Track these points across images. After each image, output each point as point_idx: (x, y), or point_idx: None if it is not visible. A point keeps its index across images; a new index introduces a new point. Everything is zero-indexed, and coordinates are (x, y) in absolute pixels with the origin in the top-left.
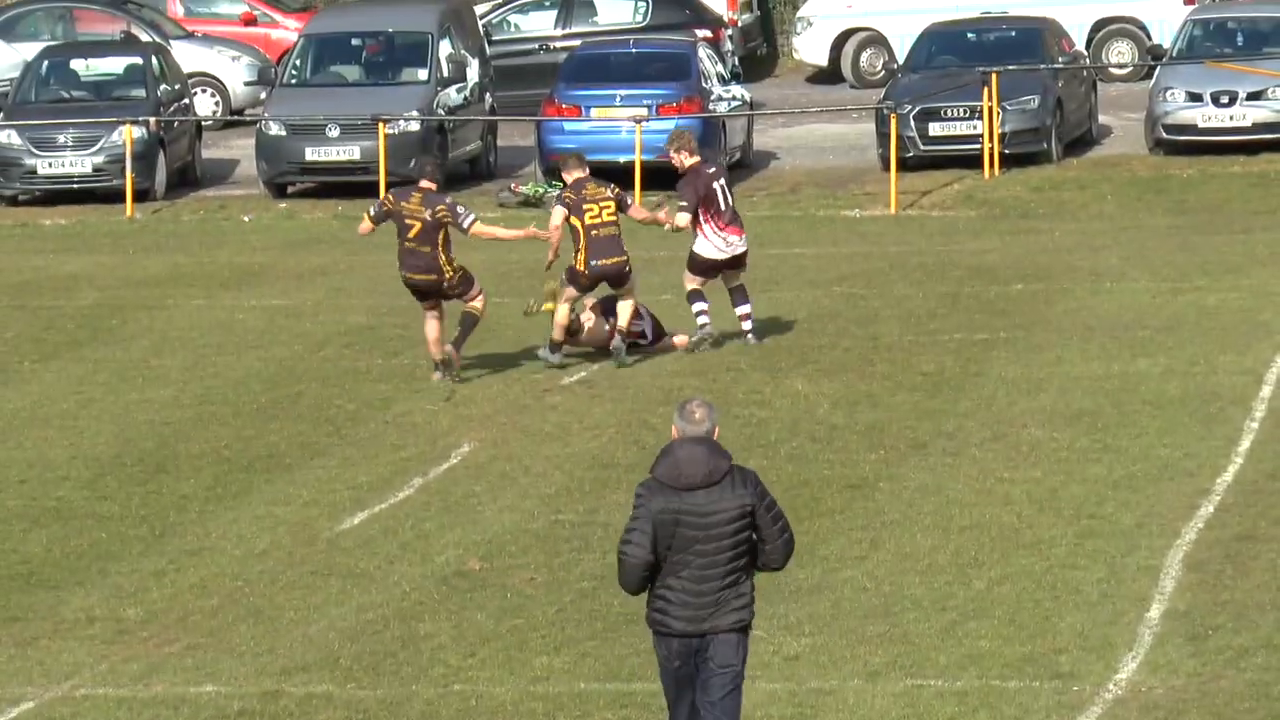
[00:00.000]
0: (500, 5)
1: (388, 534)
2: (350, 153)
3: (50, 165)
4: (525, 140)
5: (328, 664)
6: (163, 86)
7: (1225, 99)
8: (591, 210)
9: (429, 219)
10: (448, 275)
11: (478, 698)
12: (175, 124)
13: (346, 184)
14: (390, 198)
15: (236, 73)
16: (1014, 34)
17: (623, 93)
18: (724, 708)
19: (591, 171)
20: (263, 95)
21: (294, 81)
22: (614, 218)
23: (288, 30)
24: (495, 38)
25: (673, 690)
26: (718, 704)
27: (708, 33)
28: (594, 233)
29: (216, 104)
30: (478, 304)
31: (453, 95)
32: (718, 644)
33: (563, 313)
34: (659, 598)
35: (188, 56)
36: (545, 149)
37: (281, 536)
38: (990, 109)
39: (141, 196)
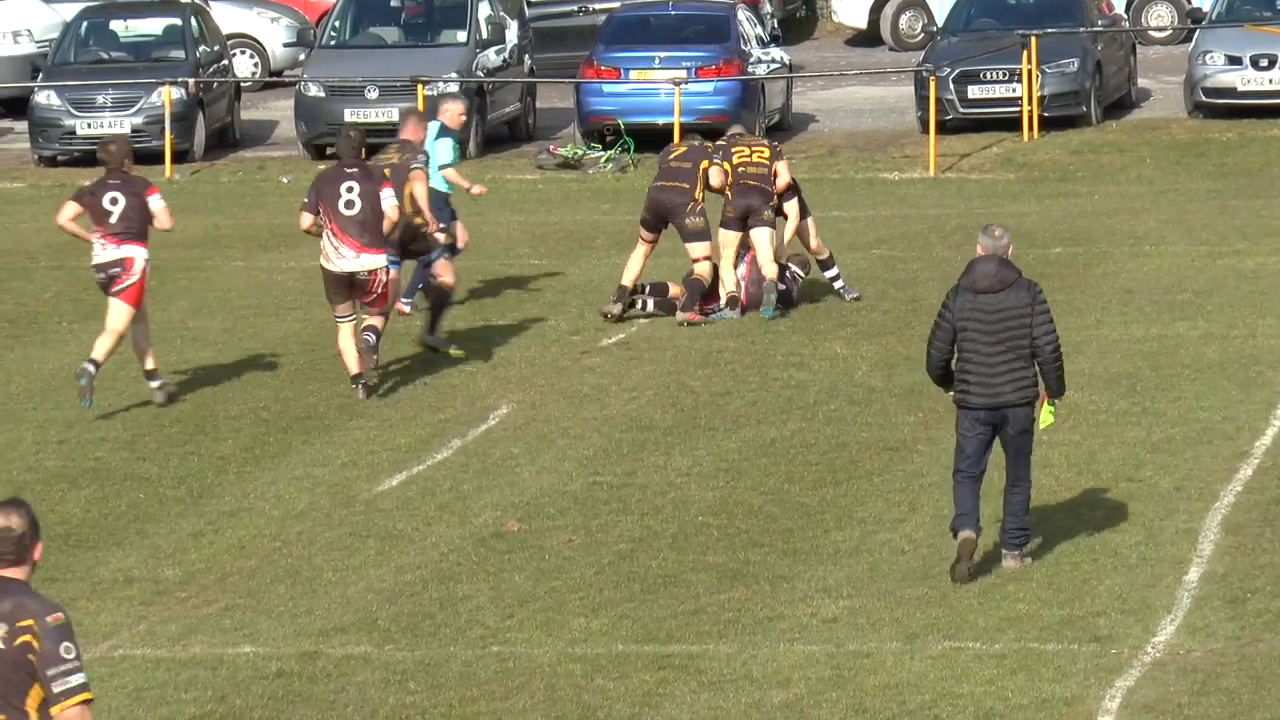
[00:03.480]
0: None
1: (426, 495)
2: (389, 114)
3: (89, 126)
4: (564, 102)
5: (365, 625)
6: (202, 47)
7: (1265, 62)
8: (742, 152)
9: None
10: (698, 196)
11: (515, 659)
12: (214, 85)
13: (385, 145)
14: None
15: (275, 34)
16: None
17: (662, 55)
18: (1022, 464)
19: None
20: (302, 56)
21: (333, 43)
22: (765, 161)
23: None
24: None
25: (965, 457)
26: (1018, 461)
27: None
28: (740, 169)
29: (255, 65)
30: (702, 268)
31: (492, 57)
32: (1015, 415)
33: (728, 260)
34: (961, 379)
35: (227, 17)
36: (584, 111)
37: (320, 498)
38: (1029, 72)
39: (180, 158)
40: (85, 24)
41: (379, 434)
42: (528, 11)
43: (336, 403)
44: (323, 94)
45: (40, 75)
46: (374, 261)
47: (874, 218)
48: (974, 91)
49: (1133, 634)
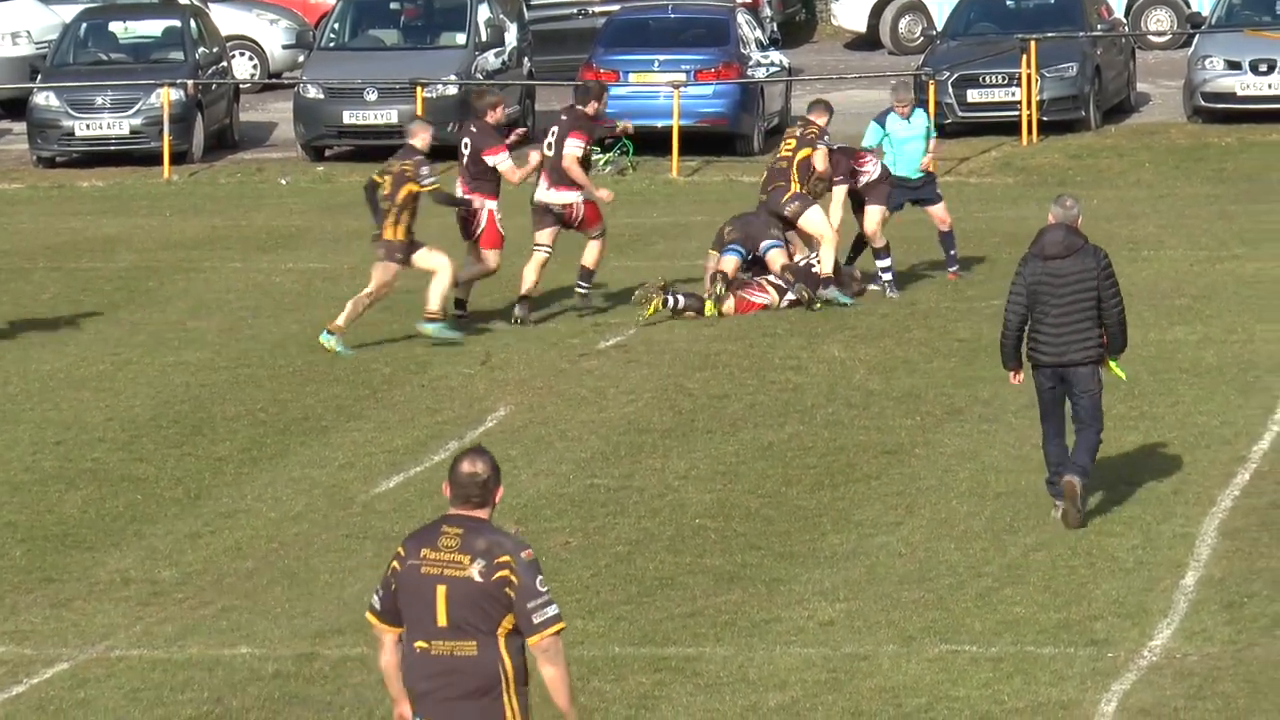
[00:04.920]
0: None
1: (423, 498)
2: (388, 116)
3: (88, 127)
4: (563, 105)
5: (362, 627)
6: (201, 49)
7: (1264, 67)
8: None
9: None
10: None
11: None
12: (213, 87)
13: (384, 147)
14: None
15: (274, 35)
16: (1053, 1)
17: (661, 58)
18: (1090, 420)
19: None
20: (301, 58)
21: (332, 45)
22: (789, 154)
23: None
24: (533, 2)
25: (1045, 410)
26: (1085, 418)
27: None
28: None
29: (254, 67)
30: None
31: (491, 59)
32: (1078, 374)
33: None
34: (1032, 339)
35: (226, 19)
36: None
37: (317, 499)
38: (1028, 76)
39: (179, 159)
40: (84, 25)
41: (376, 436)
42: (527, 14)
43: (334, 404)
44: (321, 96)
45: (39, 76)
46: (558, 197)
47: None
48: (973, 95)
49: (1129, 638)
